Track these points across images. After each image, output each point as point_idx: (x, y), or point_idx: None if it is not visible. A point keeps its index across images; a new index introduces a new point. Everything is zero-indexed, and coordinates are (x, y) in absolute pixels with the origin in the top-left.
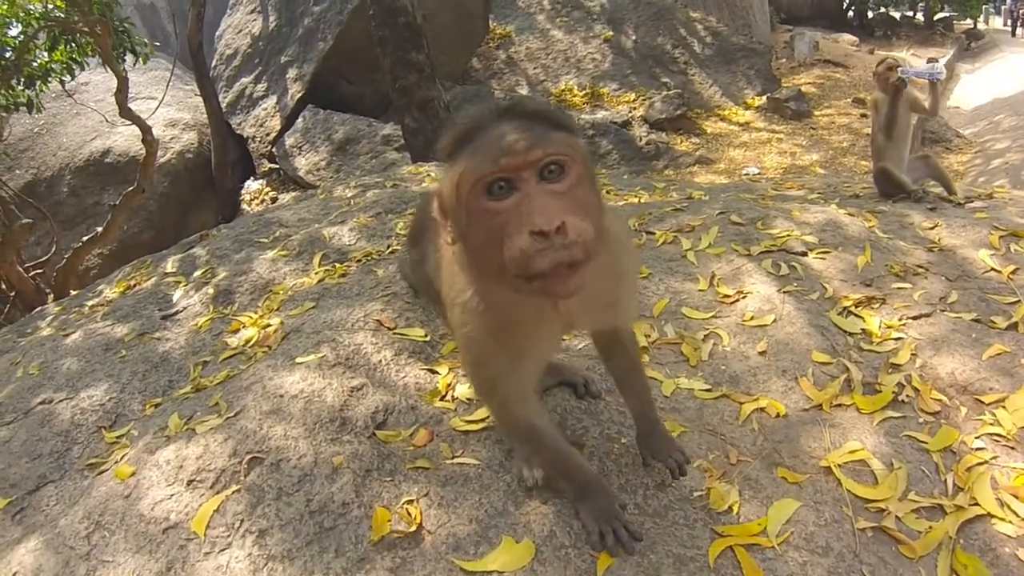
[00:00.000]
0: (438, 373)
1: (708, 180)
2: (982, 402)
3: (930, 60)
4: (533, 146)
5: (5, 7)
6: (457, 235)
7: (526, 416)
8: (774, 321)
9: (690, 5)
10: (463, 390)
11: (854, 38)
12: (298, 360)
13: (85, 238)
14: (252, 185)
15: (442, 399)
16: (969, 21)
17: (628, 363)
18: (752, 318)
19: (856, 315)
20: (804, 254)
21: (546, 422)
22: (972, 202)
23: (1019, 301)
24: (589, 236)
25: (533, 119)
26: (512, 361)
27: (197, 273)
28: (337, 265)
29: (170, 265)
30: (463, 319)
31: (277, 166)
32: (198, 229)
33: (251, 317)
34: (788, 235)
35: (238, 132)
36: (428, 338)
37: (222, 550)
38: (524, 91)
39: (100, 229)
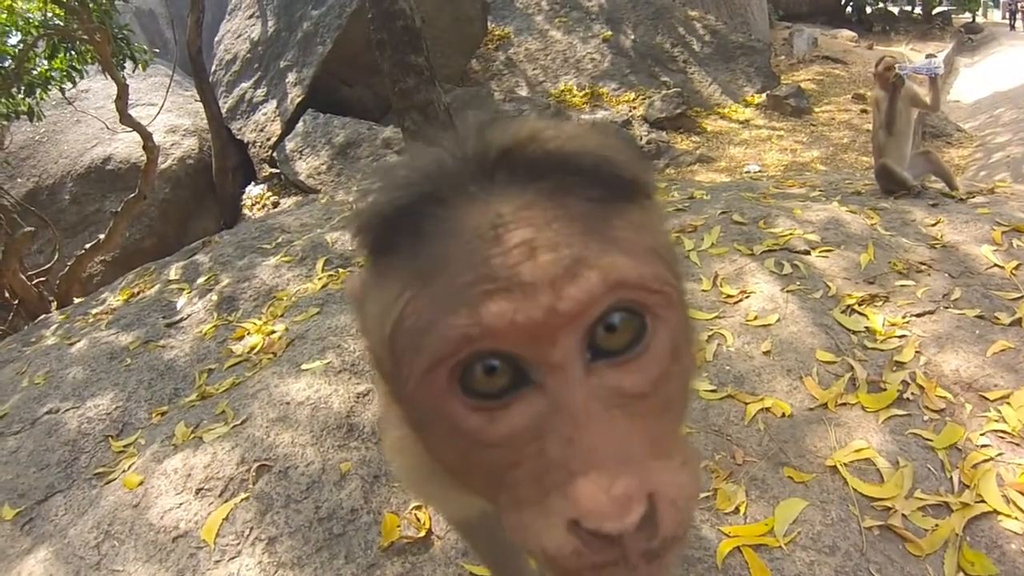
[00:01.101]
0: None
1: (709, 178)
2: (987, 399)
3: (928, 56)
4: (575, 268)
5: (4, 16)
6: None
7: (467, 521)
8: (778, 320)
9: (688, 4)
10: None
11: (853, 34)
12: (304, 367)
13: (87, 245)
14: (253, 190)
15: None
16: (968, 15)
17: None
18: (756, 318)
19: (860, 313)
20: (807, 253)
21: (493, 522)
22: (974, 197)
23: (1022, 297)
24: (691, 514)
25: (572, 173)
26: (453, 503)
27: (200, 280)
28: (340, 270)
29: (173, 272)
30: (394, 453)
31: (278, 171)
32: (200, 235)
33: (255, 324)
34: (790, 234)
35: (238, 137)
36: None
37: (232, 558)
38: (524, 92)
39: (102, 236)
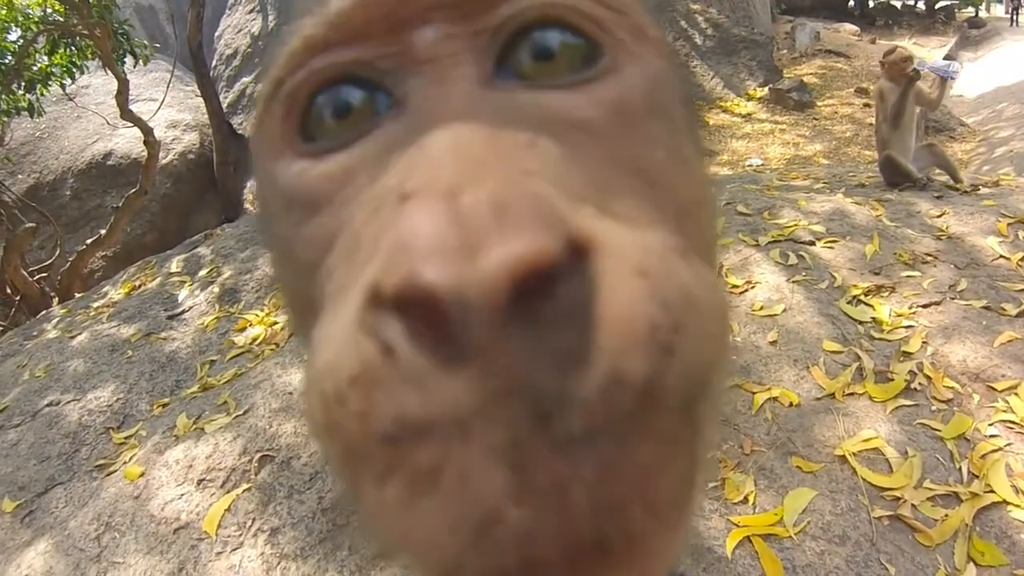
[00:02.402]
0: None
1: (712, 172)
2: (994, 389)
3: (947, 58)
4: None
5: (4, 12)
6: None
7: None
8: (784, 311)
9: None
10: None
11: (855, 28)
12: (306, 357)
13: (88, 241)
14: (254, 184)
15: None
16: (970, 9)
17: None
18: (762, 308)
19: (866, 304)
20: (812, 243)
21: None
22: (979, 190)
23: None
24: (711, 327)
25: None
26: None
27: (202, 272)
28: None
29: (175, 265)
30: None
31: None
32: (201, 230)
33: (257, 315)
34: (795, 225)
35: (240, 132)
36: None
37: (234, 549)
38: None
39: (103, 232)
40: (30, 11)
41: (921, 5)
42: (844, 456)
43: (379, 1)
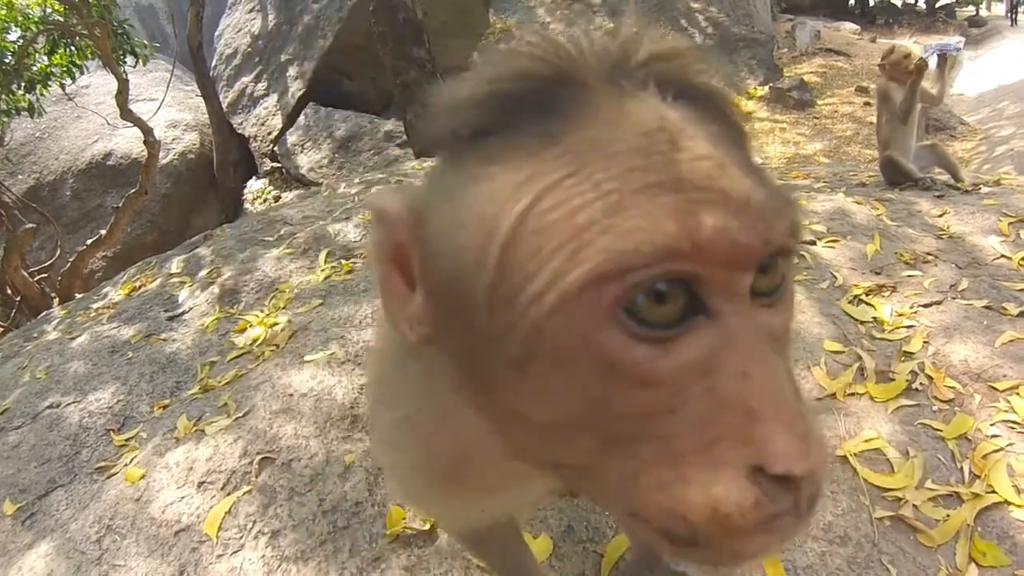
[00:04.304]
0: None
1: None
2: (996, 389)
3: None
4: (772, 202)
5: (4, 12)
6: (448, 342)
7: (468, 532)
8: None
9: None
10: None
11: (856, 26)
12: (307, 358)
13: (89, 241)
14: (255, 184)
15: None
16: (971, 8)
17: None
18: None
19: (867, 303)
20: (813, 243)
21: (497, 530)
22: (980, 189)
23: None
24: (827, 464)
25: (700, 99)
26: (455, 515)
27: (202, 273)
28: (343, 262)
29: (175, 266)
30: (390, 446)
31: (279, 165)
32: (201, 230)
33: (258, 316)
34: None
35: (240, 132)
36: None
37: (235, 552)
38: None
39: (104, 232)
40: (30, 11)
41: (922, 3)
42: (845, 456)
43: (736, 251)
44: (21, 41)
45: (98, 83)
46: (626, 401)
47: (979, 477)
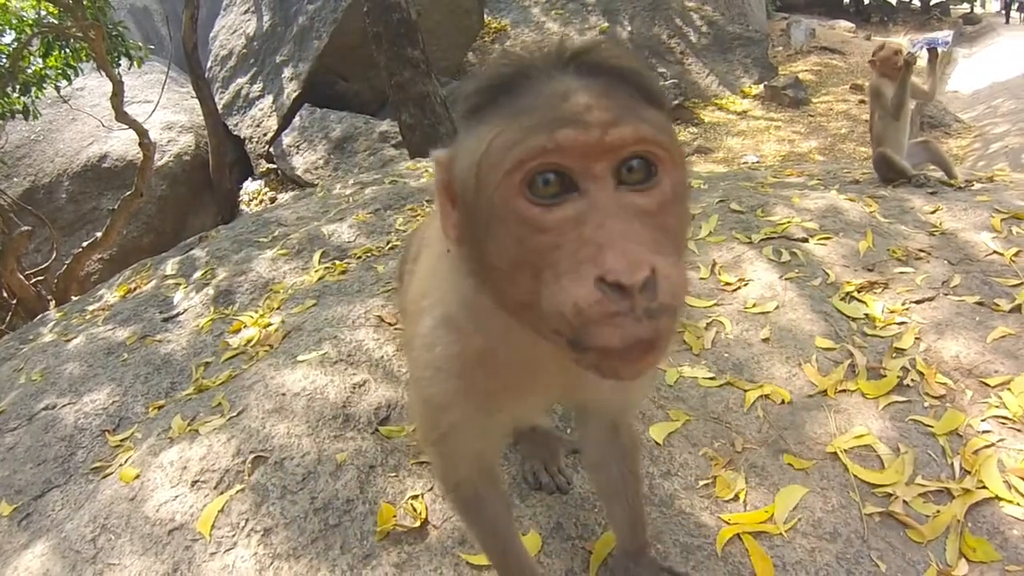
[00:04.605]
0: None
1: (707, 169)
2: (987, 385)
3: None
4: (618, 121)
5: None
6: (466, 234)
7: (472, 483)
8: (776, 308)
9: None
10: None
11: (851, 24)
12: (300, 358)
13: (85, 244)
14: (250, 185)
15: None
16: (966, 5)
17: (622, 460)
18: (754, 305)
19: (859, 300)
20: (805, 240)
21: (497, 497)
22: (973, 185)
23: (1022, 283)
24: (682, 296)
25: (617, 77)
26: (479, 414)
27: (197, 274)
28: (337, 262)
29: (170, 267)
30: (431, 342)
31: (275, 166)
32: (197, 231)
33: (252, 317)
34: (788, 222)
35: (235, 133)
36: None
37: (228, 550)
38: None
39: (99, 234)
40: (24, 13)
41: (916, 1)
42: (835, 453)
43: (574, 148)
44: (16, 44)
45: (93, 85)
46: (533, 241)
47: (970, 473)
